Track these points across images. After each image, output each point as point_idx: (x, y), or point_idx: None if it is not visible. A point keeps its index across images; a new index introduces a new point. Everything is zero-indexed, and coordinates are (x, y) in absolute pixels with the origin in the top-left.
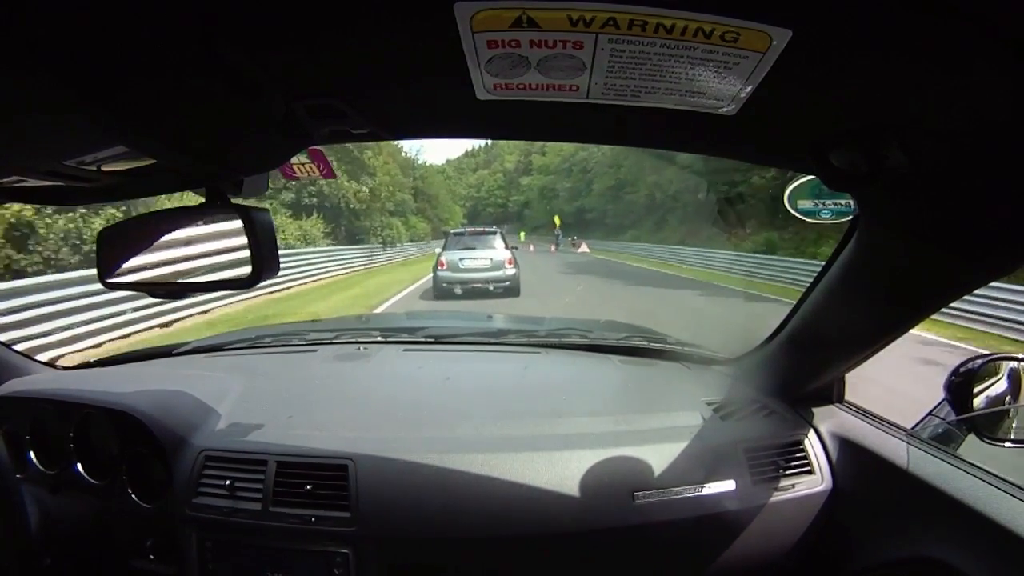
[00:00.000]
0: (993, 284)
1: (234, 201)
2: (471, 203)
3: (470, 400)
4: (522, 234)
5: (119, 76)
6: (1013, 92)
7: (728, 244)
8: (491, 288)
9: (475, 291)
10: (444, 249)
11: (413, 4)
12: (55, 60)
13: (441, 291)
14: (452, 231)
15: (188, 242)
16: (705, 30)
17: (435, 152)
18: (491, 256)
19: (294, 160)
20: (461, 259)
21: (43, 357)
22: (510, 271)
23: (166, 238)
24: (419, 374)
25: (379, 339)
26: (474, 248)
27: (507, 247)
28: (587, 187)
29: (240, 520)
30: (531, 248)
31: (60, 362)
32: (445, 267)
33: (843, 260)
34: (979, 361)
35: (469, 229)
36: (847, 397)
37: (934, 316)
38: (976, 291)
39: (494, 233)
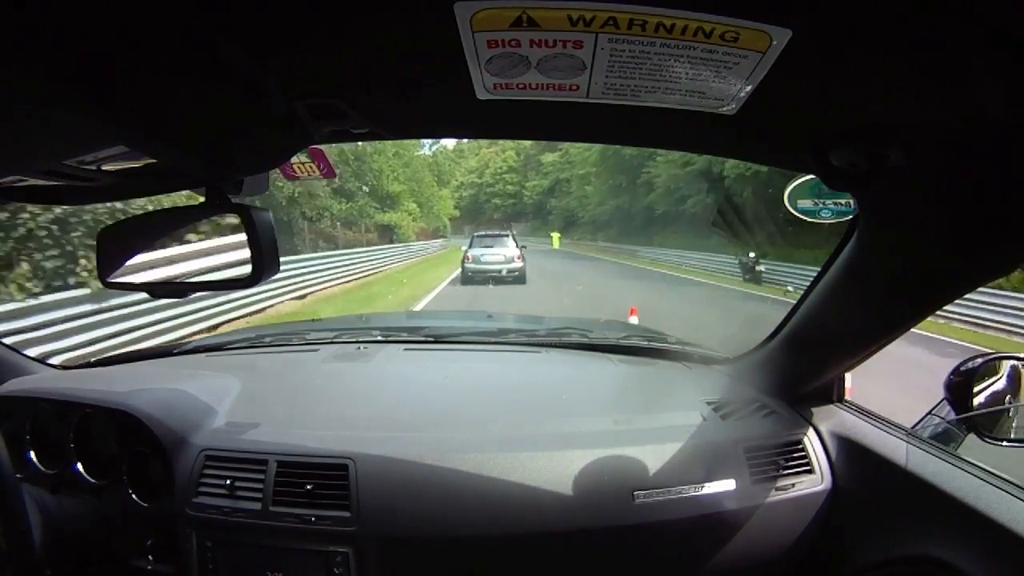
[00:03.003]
0: (984, 290)
1: (234, 201)
2: (471, 191)
3: (470, 400)
4: (555, 238)
5: (119, 76)
6: (1012, 91)
7: None
8: (504, 274)
9: (493, 278)
10: (469, 247)
11: (413, 4)
12: (55, 60)
13: (467, 279)
14: (475, 233)
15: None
16: (705, 30)
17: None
18: (504, 253)
19: (294, 160)
20: (482, 255)
21: (42, 357)
22: (519, 264)
23: (166, 239)
24: (419, 374)
25: (379, 338)
26: (492, 247)
27: (517, 246)
28: None
29: (240, 520)
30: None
31: (60, 362)
32: (470, 260)
33: (843, 260)
34: (979, 360)
35: (489, 232)
36: (847, 396)
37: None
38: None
39: (507, 235)
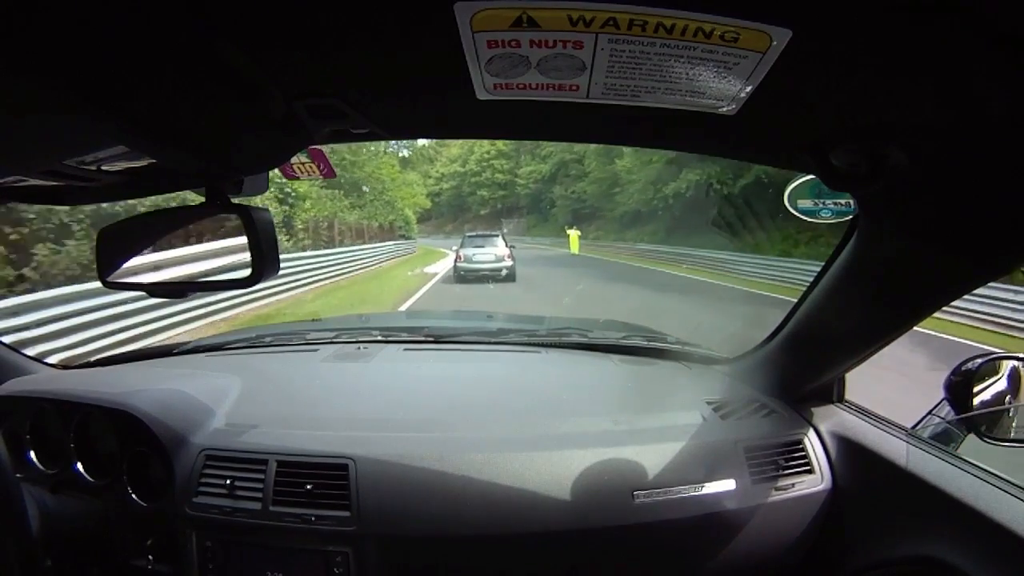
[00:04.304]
0: (991, 284)
1: (234, 201)
2: (453, 183)
3: (470, 399)
4: (573, 238)
5: (120, 76)
6: (1012, 91)
7: None
8: (502, 273)
9: (483, 276)
10: (460, 247)
11: (413, 4)
12: (55, 61)
13: (459, 277)
14: (467, 234)
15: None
16: (705, 30)
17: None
18: (494, 252)
19: (294, 160)
20: (473, 254)
21: (43, 357)
22: (509, 263)
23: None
24: (419, 373)
25: (379, 339)
26: (483, 247)
27: (507, 245)
28: None
29: (240, 519)
30: None
31: (59, 361)
32: (462, 259)
33: (843, 260)
34: (979, 360)
35: (480, 232)
36: (847, 396)
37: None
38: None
39: (497, 235)
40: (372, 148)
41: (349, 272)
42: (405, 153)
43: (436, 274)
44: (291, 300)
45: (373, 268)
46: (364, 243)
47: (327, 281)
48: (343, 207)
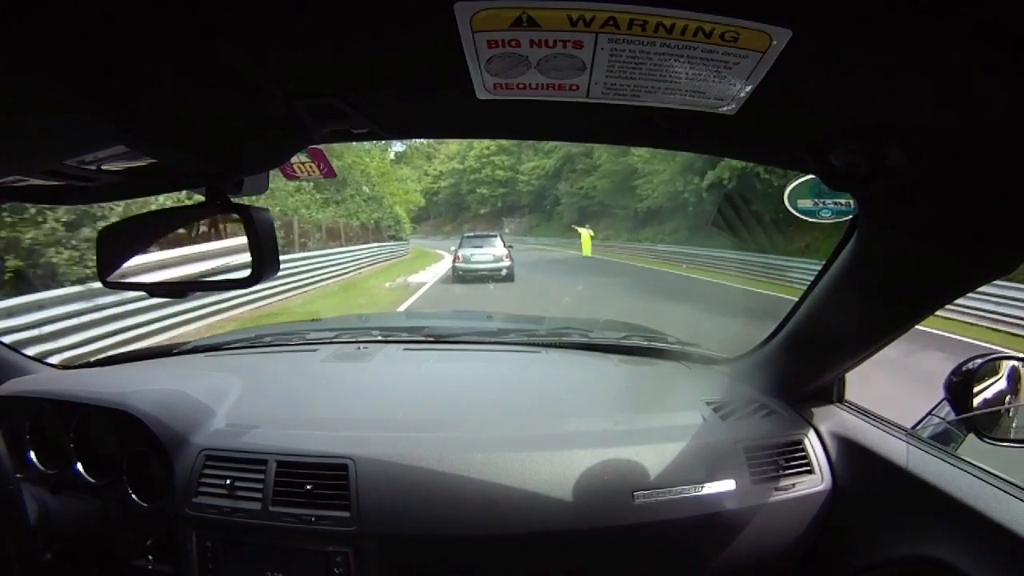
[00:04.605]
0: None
1: (234, 200)
2: (451, 181)
3: (470, 399)
4: (586, 239)
5: (120, 76)
6: (1012, 92)
7: None
8: (501, 273)
9: (482, 277)
10: (459, 248)
11: (413, 4)
12: (55, 61)
13: (458, 277)
14: (465, 235)
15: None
16: (705, 30)
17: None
18: (493, 252)
19: (294, 159)
20: (472, 254)
21: (43, 357)
22: (507, 263)
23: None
24: (419, 373)
25: (379, 338)
26: (481, 247)
27: (505, 246)
28: None
29: (240, 520)
30: None
31: (59, 361)
32: (460, 260)
33: (843, 260)
34: (979, 361)
35: (478, 233)
36: (847, 396)
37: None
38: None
39: (495, 236)
40: None
41: (308, 285)
42: (400, 148)
43: (424, 284)
44: (206, 328)
45: (348, 277)
46: (340, 246)
47: (270, 301)
48: (309, 201)
